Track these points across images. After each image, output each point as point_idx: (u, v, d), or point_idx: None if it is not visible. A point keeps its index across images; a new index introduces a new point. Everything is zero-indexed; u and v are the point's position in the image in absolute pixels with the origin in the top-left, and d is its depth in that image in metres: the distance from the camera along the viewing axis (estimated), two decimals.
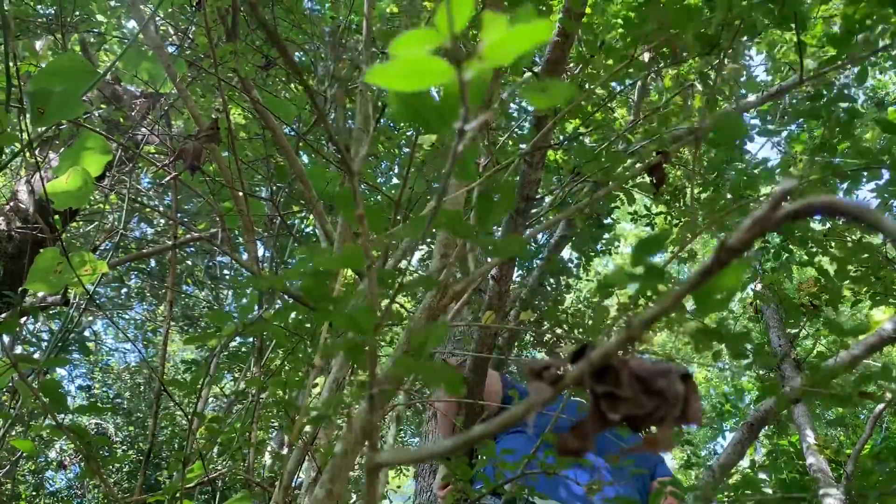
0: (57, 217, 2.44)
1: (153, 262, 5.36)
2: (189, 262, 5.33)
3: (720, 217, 1.49)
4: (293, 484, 1.18)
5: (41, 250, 1.36)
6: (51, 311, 3.94)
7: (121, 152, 2.47)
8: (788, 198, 0.33)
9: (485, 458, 1.38)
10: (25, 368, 1.05)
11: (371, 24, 1.42)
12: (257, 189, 3.41)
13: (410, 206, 1.84)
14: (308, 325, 1.24)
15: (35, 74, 1.33)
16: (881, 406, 3.71)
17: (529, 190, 2.23)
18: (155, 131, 2.48)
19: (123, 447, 6.80)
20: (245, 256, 1.54)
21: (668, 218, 4.14)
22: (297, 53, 2.90)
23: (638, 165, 1.50)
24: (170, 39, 2.60)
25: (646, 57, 1.54)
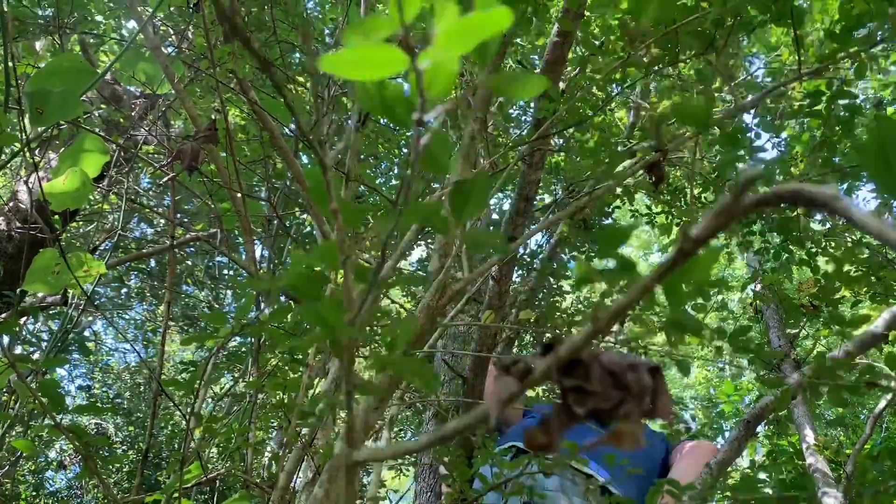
0: (56, 217, 2.44)
1: (153, 263, 5.36)
2: (189, 263, 5.33)
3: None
4: (292, 485, 1.18)
5: (40, 250, 1.36)
6: (50, 312, 3.94)
7: (119, 153, 2.47)
8: (756, 186, 0.33)
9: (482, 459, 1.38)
10: (24, 369, 1.04)
11: None
12: (256, 189, 3.41)
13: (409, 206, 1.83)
14: (307, 326, 1.24)
15: (34, 75, 1.33)
16: (881, 406, 3.71)
17: (529, 190, 2.22)
18: (153, 132, 2.48)
19: (123, 447, 6.79)
20: (244, 257, 1.54)
21: (669, 217, 4.13)
22: (296, 55, 2.90)
23: (637, 163, 1.50)
24: (169, 40, 2.60)
25: (644, 58, 1.54)
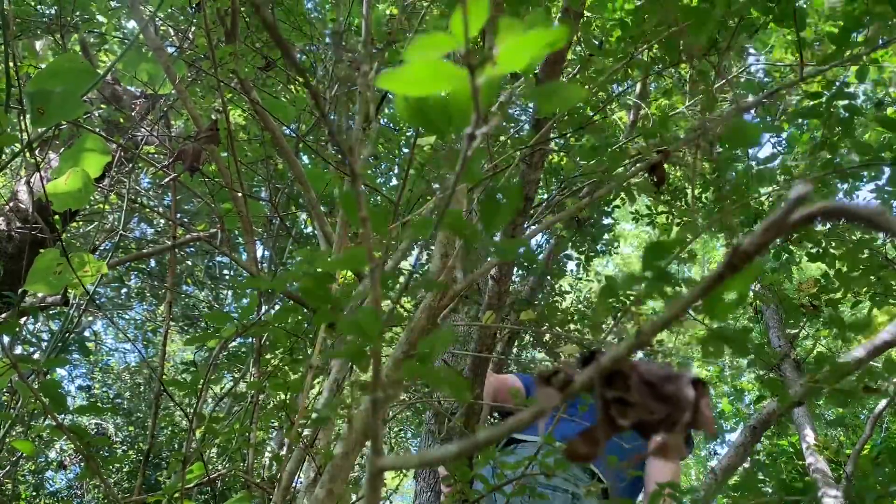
0: (57, 217, 2.44)
1: (153, 263, 5.36)
2: (189, 263, 5.33)
3: (720, 217, 1.49)
4: (293, 485, 1.18)
5: (41, 251, 1.36)
6: (51, 312, 3.94)
7: (120, 153, 2.47)
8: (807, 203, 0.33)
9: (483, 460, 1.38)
10: (25, 369, 1.05)
11: (371, 26, 1.42)
12: (258, 190, 3.41)
13: (409, 207, 1.84)
14: (307, 326, 1.24)
15: (35, 75, 1.33)
16: (881, 406, 3.71)
17: (529, 190, 2.23)
18: (154, 132, 2.48)
19: (123, 447, 6.80)
20: (245, 257, 1.54)
21: (670, 218, 4.14)
22: (297, 55, 2.90)
23: (638, 164, 1.50)
24: (170, 40, 2.60)
25: (645, 58, 1.54)
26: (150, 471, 5.96)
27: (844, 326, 1.44)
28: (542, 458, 1.23)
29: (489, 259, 1.45)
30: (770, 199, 2.52)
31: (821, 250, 2.38)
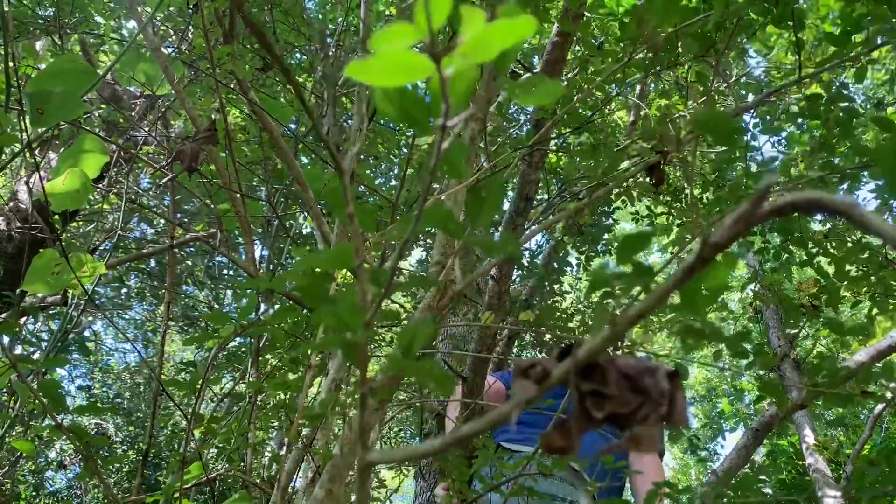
0: (56, 217, 2.44)
1: (153, 263, 5.36)
2: (189, 263, 5.33)
3: (720, 217, 1.49)
4: (291, 484, 1.18)
5: (40, 251, 1.36)
6: (51, 311, 3.94)
7: (119, 153, 2.47)
8: (774, 193, 0.33)
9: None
10: (24, 369, 1.05)
11: (368, 25, 1.42)
12: (258, 190, 3.41)
13: (408, 206, 1.83)
14: (305, 326, 1.24)
15: (35, 76, 1.33)
16: (881, 406, 3.71)
17: (529, 190, 2.23)
18: (153, 132, 2.48)
19: (123, 447, 6.80)
20: (244, 257, 1.54)
21: (670, 218, 4.14)
22: (296, 55, 2.90)
23: (637, 165, 1.50)
24: (169, 40, 2.60)
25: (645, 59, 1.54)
26: (150, 471, 5.96)
27: (843, 331, 1.44)
28: (538, 458, 1.23)
29: (489, 259, 1.45)
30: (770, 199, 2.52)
31: (820, 251, 2.37)
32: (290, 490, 1.16)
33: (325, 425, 1.19)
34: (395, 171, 3.79)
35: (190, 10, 1.81)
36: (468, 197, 0.44)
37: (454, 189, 1.08)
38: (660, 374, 0.35)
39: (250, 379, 1.44)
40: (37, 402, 0.99)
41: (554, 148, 2.90)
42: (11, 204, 3.52)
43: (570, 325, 3.47)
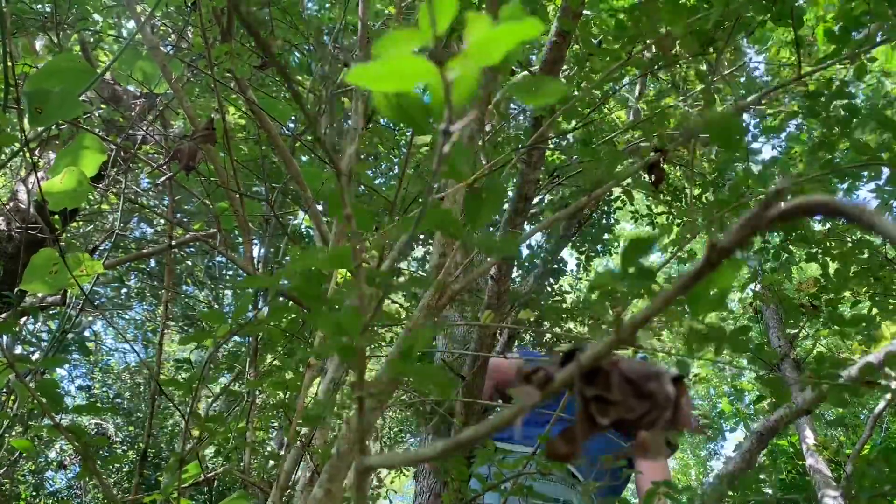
0: (56, 217, 2.44)
1: (153, 263, 5.36)
2: (188, 263, 5.33)
3: (719, 217, 1.48)
4: (290, 484, 1.18)
5: (39, 250, 1.36)
6: (50, 312, 3.94)
7: (118, 152, 2.47)
8: (785, 197, 0.33)
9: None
10: (23, 369, 1.04)
11: (366, 25, 1.42)
12: (257, 189, 3.41)
13: (407, 206, 1.83)
14: (302, 325, 1.23)
15: (33, 74, 1.33)
16: (881, 406, 3.70)
17: (528, 190, 2.22)
18: (151, 131, 2.48)
19: (123, 447, 6.79)
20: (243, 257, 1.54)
21: (670, 218, 4.13)
22: (295, 54, 2.90)
23: (636, 163, 1.50)
24: (169, 39, 2.59)
25: (645, 55, 1.54)
26: (150, 470, 5.96)
27: (844, 322, 1.44)
28: (537, 457, 1.22)
29: (489, 259, 1.44)
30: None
31: (820, 250, 2.37)
32: (288, 489, 1.16)
33: (324, 425, 1.19)
34: (395, 171, 3.79)
35: (188, 9, 1.81)
36: (466, 198, 0.44)
37: (454, 189, 1.08)
38: (664, 378, 0.34)
39: (249, 378, 1.43)
40: (36, 401, 0.99)
41: (551, 147, 2.90)
42: (11, 204, 3.52)
43: (570, 325, 3.47)
